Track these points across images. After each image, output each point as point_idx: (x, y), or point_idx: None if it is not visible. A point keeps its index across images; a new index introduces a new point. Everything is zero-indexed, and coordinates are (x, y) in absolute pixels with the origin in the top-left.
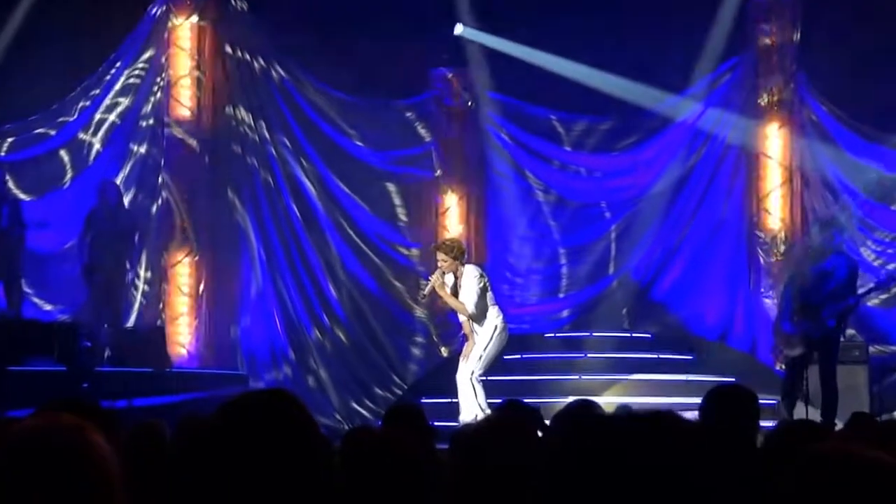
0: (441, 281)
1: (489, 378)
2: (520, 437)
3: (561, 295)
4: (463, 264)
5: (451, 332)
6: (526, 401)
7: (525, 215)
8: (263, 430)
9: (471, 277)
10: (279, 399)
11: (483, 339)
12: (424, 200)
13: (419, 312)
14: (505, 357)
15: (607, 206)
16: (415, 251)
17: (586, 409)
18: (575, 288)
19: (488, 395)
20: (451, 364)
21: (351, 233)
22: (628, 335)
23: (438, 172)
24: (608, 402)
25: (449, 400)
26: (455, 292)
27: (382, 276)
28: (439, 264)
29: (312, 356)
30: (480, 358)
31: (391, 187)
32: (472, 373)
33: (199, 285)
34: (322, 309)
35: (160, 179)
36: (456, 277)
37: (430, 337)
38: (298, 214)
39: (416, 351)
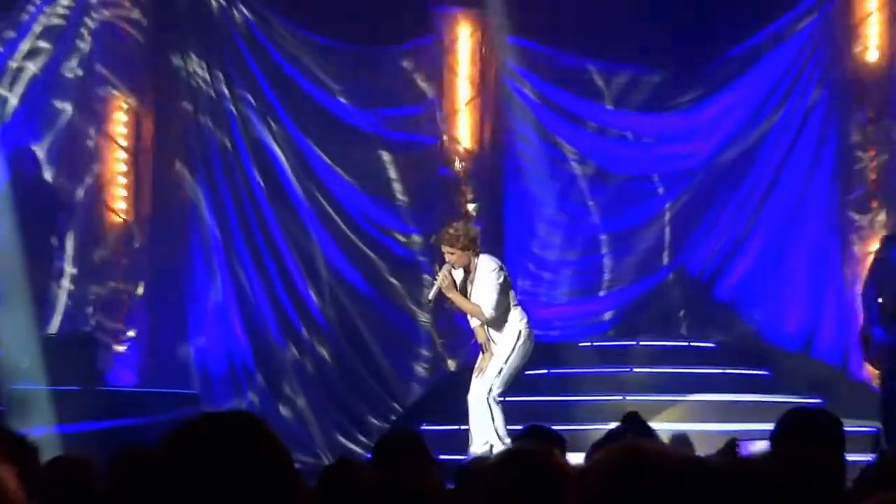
0: (449, 280)
1: (507, 398)
2: (546, 473)
3: (601, 293)
4: (476, 255)
5: (460, 339)
6: (555, 428)
7: (554, 192)
8: (221, 463)
9: (487, 272)
10: (241, 423)
11: (504, 350)
12: (427, 173)
13: (422, 317)
14: (528, 372)
15: (660, 179)
16: (416, 238)
17: (633, 437)
18: (619, 284)
19: (507, 419)
20: (460, 381)
21: (333, 215)
22: (686, 344)
23: (444, 137)
24: (661, 429)
25: (457, 427)
26: (464, 290)
27: (374, 270)
28: (446, 258)
29: (286, 377)
30: (500, 373)
31: (385, 156)
32: (489, 391)
33: (139, 283)
34: (297, 315)
35: (90, 146)
36: (467, 272)
37: (433, 347)
38: (265, 190)
39: (416, 366)
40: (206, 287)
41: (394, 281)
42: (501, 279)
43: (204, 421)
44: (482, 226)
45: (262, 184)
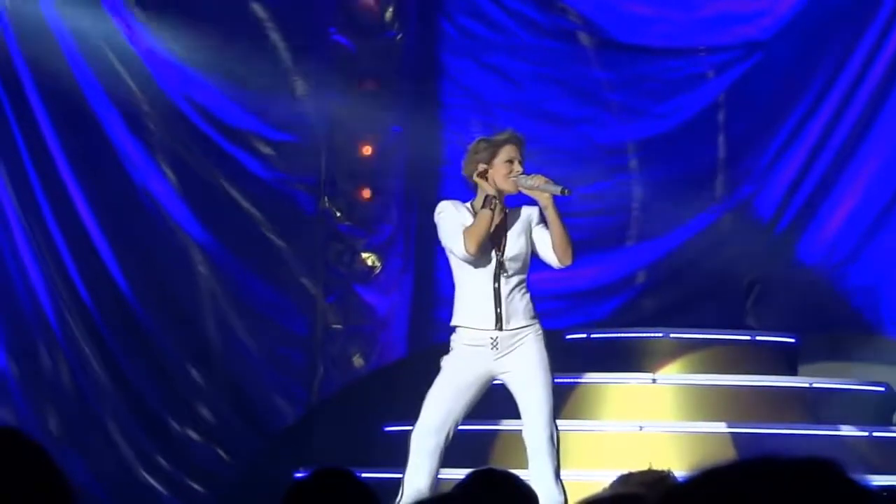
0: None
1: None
2: None
3: (628, 242)
4: None
5: (369, 316)
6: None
7: (532, 76)
8: None
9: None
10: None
11: (538, 347)
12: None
13: (304, 279)
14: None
15: (708, 55)
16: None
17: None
18: (650, 233)
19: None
20: (372, 395)
21: (143, 104)
22: (748, 338)
23: None
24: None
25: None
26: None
27: (221, 207)
28: (516, 168)
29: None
30: (550, 398)
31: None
32: (553, 431)
33: None
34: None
35: None
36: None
37: (319, 332)
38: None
39: (285, 372)
40: None
41: (253, 211)
42: None
43: None
44: (400, 130)
45: None
